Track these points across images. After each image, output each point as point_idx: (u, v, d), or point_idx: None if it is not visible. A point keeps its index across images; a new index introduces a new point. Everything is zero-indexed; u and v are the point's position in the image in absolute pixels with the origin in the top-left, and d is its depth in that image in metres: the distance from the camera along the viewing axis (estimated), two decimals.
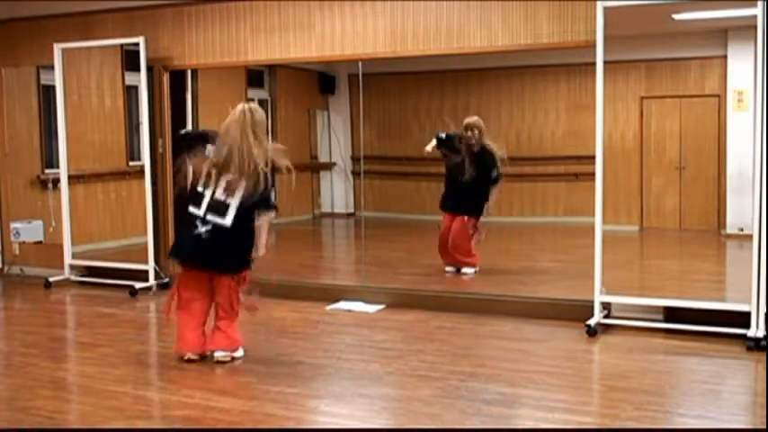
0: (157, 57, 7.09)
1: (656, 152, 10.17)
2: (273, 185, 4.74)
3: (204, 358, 4.74)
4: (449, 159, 7.51)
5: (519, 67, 9.90)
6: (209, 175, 4.58)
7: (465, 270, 7.40)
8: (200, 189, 4.61)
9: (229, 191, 4.54)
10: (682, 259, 8.71)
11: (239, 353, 4.79)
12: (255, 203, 4.56)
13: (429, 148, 7.55)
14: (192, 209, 4.60)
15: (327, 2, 6.51)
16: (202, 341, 4.75)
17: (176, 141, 4.86)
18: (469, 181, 7.28)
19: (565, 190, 10.03)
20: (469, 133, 7.30)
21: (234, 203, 4.54)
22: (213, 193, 4.56)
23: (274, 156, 4.59)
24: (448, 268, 7.48)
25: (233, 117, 4.58)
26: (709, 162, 9.83)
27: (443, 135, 7.54)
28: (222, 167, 4.55)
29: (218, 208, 4.54)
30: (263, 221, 4.65)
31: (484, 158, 7.28)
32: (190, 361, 4.72)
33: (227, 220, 4.53)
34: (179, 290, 4.78)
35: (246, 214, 4.57)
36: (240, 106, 4.64)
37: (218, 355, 4.70)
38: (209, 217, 4.53)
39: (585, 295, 5.54)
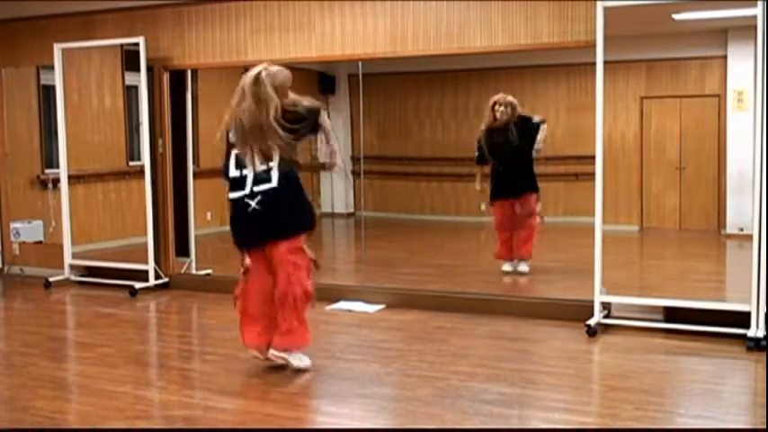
0: (157, 57, 7.09)
1: (656, 152, 10.17)
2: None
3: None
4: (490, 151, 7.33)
5: (519, 67, 9.90)
6: (238, 156, 4.43)
7: (522, 267, 7.28)
8: (236, 174, 4.44)
9: (266, 158, 4.38)
10: (682, 259, 8.71)
11: (297, 360, 4.49)
12: (303, 134, 4.41)
13: (478, 186, 7.48)
14: (233, 195, 4.44)
15: (327, 2, 6.51)
16: (263, 337, 4.50)
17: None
18: (516, 154, 7.20)
19: (565, 190, 10.02)
20: (503, 108, 7.23)
21: (274, 165, 4.38)
22: (255, 169, 4.40)
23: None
24: (506, 267, 7.31)
25: (243, 83, 4.38)
26: (710, 162, 9.83)
27: (477, 153, 7.45)
28: (248, 143, 4.38)
29: (263, 177, 4.38)
30: (325, 129, 4.53)
31: (525, 127, 7.23)
32: (257, 358, 4.55)
33: (273, 182, 4.37)
34: (245, 276, 4.56)
35: (289, 171, 4.41)
36: (254, 70, 4.42)
37: (271, 353, 4.45)
38: (255, 189, 4.38)
39: (585, 295, 5.54)
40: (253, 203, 4.38)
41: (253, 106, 4.34)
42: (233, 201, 4.46)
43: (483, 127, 7.35)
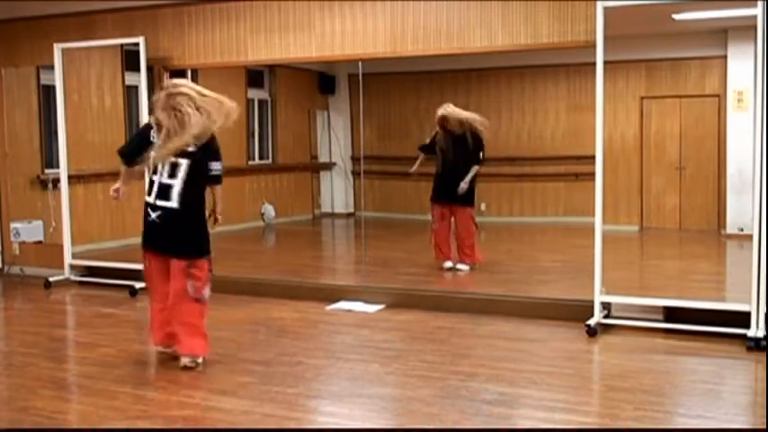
0: (157, 57, 7.09)
1: (656, 152, 10.17)
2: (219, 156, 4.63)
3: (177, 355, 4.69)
4: (440, 152, 7.47)
5: (519, 67, 9.91)
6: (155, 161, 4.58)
7: (461, 266, 7.40)
8: (151, 177, 4.60)
9: (172, 173, 4.51)
10: (682, 259, 8.71)
11: (201, 359, 4.67)
12: (206, 180, 4.60)
13: (415, 167, 7.66)
14: (146, 197, 4.60)
15: (327, 2, 6.52)
16: (168, 334, 4.70)
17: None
18: (462, 166, 7.34)
19: (565, 190, 10.03)
20: (445, 112, 7.35)
21: (177, 184, 4.51)
22: (160, 177, 4.54)
23: (212, 118, 4.50)
24: (447, 264, 7.44)
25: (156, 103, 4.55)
26: (709, 162, 9.84)
27: (426, 142, 7.63)
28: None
29: (165, 191, 4.52)
30: (218, 193, 4.73)
31: (469, 140, 7.33)
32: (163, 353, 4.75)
33: (174, 203, 4.52)
34: (149, 279, 4.81)
35: (193, 194, 4.56)
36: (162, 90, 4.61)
37: (183, 361, 4.60)
38: (158, 202, 4.53)
39: (585, 295, 5.54)
40: (153, 215, 4.54)
41: (165, 119, 4.46)
42: (145, 203, 4.62)
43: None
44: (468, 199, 7.39)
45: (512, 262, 8.25)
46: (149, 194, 4.58)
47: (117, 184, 4.84)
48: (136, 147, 4.75)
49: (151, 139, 4.58)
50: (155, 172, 4.57)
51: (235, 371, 4.56)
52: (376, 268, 7.64)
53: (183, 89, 4.51)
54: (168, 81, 4.76)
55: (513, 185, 10.20)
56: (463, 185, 7.27)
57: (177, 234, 4.57)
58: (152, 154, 4.57)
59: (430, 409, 3.87)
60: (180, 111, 4.42)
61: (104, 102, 8.37)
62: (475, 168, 7.31)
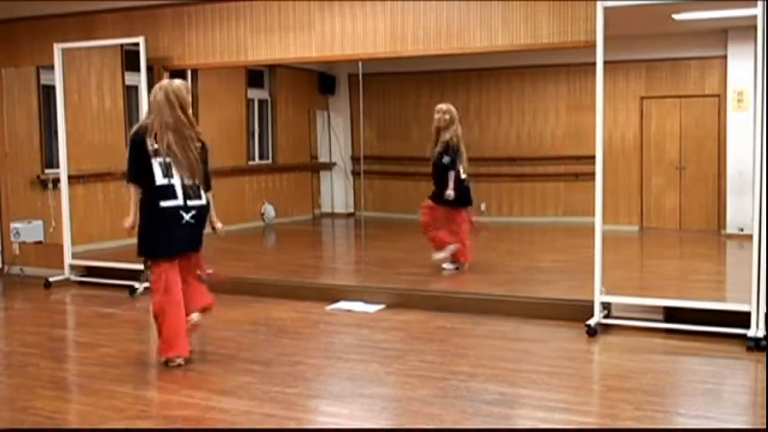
0: (157, 57, 7.09)
1: (656, 152, 10.17)
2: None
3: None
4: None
5: (519, 67, 9.91)
6: (162, 164, 4.51)
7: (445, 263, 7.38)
8: (164, 182, 4.50)
9: (192, 174, 4.55)
10: (682, 259, 8.71)
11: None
12: (207, 183, 4.72)
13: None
14: (166, 203, 4.50)
15: (327, 2, 6.52)
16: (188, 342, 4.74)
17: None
18: (434, 168, 7.33)
19: (565, 190, 10.03)
20: (438, 115, 7.27)
21: (198, 183, 4.61)
22: (182, 180, 4.52)
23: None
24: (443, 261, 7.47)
25: (158, 99, 4.51)
26: (710, 162, 9.84)
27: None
28: (171, 153, 4.50)
29: (195, 191, 4.57)
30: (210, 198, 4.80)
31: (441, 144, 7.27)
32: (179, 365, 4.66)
33: (203, 200, 4.63)
34: (168, 287, 4.61)
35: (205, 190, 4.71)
36: (159, 87, 4.58)
37: (196, 317, 4.74)
38: (189, 203, 4.55)
39: (585, 295, 5.54)
40: (187, 217, 4.54)
41: (184, 119, 4.53)
42: (163, 209, 4.52)
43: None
44: (457, 201, 7.30)
45: (512, 262, 8.25)
46: (173, 198, 4.50)
47: (131, 218, 4.75)
48: (142, 168, 4.59)
49: (154, 150, 4.51)
50: (165, 175, 4.50)
51: (235, 371, 4.56)
52: (376, 268, 7.64)
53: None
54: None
55: (513, 185, 10.21)
56: (449, 193, 7.15)
57: (202, 228, 4.70)
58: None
59: (430, 409, 3.88)
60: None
61: (104, 102, 8.37)
62: (450, 174, 7.14)
